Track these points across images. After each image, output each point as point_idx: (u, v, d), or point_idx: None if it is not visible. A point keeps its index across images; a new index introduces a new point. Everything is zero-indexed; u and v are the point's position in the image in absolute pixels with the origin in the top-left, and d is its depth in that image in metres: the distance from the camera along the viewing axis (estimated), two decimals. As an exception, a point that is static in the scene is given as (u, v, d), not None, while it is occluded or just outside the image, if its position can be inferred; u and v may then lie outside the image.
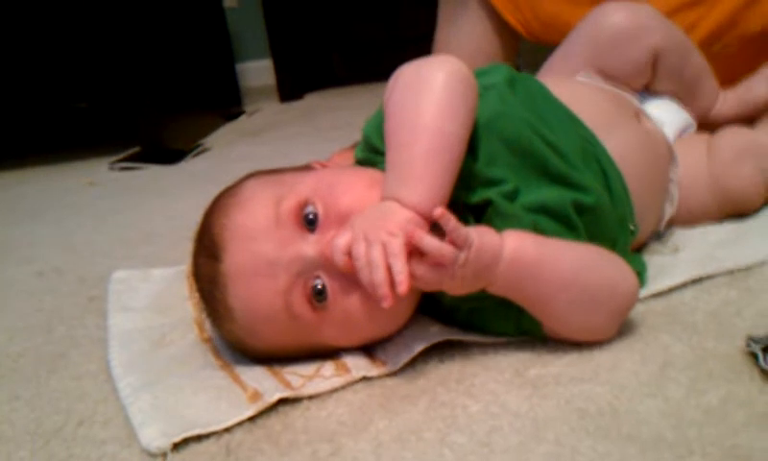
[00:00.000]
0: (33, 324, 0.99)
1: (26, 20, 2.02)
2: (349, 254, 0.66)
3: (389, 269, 0.64)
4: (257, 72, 2.79)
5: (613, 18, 0.95)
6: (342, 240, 0.67)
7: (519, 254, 0.68)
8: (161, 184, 1.70)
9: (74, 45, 1.97)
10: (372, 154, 0.78)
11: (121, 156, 1.94)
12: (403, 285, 0.63)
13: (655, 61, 0.94)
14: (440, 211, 0.64)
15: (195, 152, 1.93)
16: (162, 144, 1.93)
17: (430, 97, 0.70)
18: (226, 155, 1.90)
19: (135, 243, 1.27)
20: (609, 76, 0.95)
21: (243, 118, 2.37)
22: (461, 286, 0.67)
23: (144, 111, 1.91)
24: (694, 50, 0.99)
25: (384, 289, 0.64)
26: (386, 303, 0.64)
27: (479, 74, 0.83)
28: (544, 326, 0.71)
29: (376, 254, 0.64)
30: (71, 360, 0.86)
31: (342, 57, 2.88)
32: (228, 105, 2.45)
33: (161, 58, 2.00)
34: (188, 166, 1.85)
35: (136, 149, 1.95)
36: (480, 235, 0.66)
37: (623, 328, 0.73)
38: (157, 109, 1.93)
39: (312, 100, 2.57)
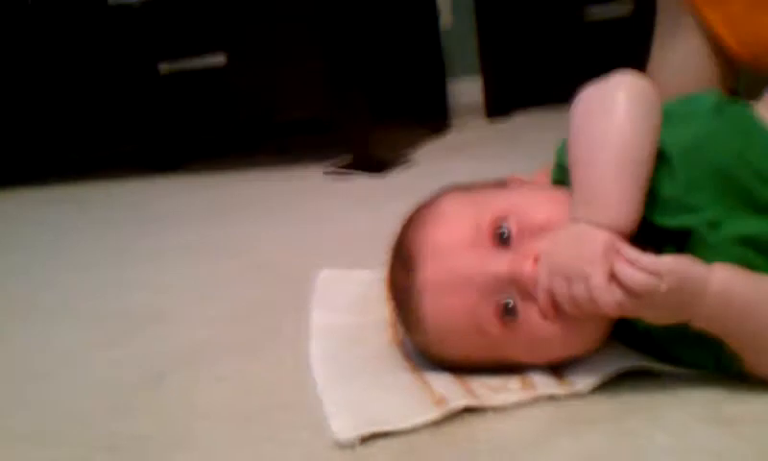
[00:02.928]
0: (240, 314, 1.07)
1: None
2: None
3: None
4: (466, 88, 2.82)
5: None
6: (544, 283, 0.68)
7: (729, 290, 0.64)
8: (368, 193, 1.77)
9: (305, 63, 2.09)
10: (564, 175, 0.78)
11: (335, 164, 2.04)
12: (614, 315, 0.66)
13: None
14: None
15: (401, 164, 1.99)
16: (371, 154, 2.01)
17: (612, 115, 0.72)
18: (429, 168, 1.95)
19: (341, 245, 1.33)
20: None
21: (449, 134, 2.40)
22: (660, 316, 0.66)
23: (359, 124, 2.01)
24: None
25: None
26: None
27: (686, 100, 0.81)
28: (746, 363, 0.68)
29: (580, 292, 0.66)
30: (273, 349, 0.92)
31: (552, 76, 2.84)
32: (435, 119, 2.50)
33: (379, 73, 2.10)
34: (394, 177, 1.91)
35: (349, 158, 2.04)
36: (683, 265, 0.64)
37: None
38: (371, 121, 2.03)
39: (519, 118, 2.56)
